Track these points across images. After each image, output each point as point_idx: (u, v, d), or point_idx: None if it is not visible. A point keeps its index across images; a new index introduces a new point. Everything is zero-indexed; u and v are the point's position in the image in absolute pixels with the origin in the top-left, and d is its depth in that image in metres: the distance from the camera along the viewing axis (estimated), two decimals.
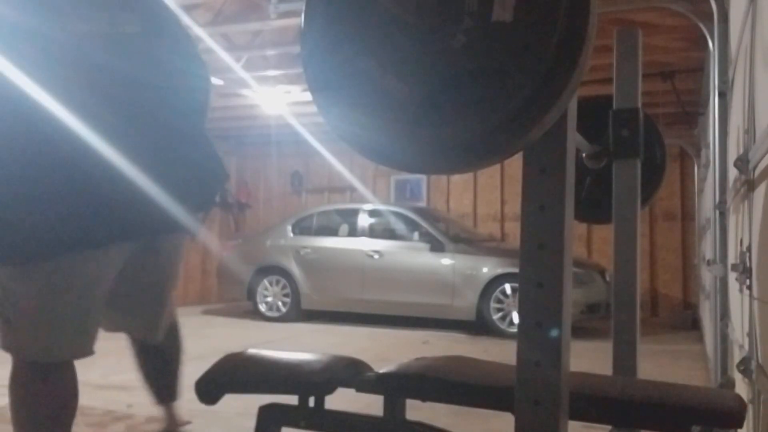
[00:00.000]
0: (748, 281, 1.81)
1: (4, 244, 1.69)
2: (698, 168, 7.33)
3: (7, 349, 1.77)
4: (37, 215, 1.65)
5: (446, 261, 7.18)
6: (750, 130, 1.81)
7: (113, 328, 1.99)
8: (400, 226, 7.74)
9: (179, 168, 1.83)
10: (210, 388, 1.75)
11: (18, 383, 1.77)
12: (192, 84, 1.95)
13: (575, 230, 1.58)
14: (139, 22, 1.81)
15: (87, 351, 1.81)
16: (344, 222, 8.08)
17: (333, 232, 8.07)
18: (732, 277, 2.23)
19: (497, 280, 6.86)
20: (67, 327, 1.75)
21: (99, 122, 1.64)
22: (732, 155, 2.39)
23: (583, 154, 1.88)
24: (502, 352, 4.64)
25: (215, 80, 5.67)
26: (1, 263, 1.72)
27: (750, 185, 1.79)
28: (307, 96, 1.63)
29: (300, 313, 7.80)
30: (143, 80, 1.78)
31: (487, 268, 6.98)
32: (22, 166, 1.63)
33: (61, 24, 1.67)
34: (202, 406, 1.90)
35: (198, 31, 4.83)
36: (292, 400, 1.55)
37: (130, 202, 1.68)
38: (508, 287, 6.78)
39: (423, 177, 9.86)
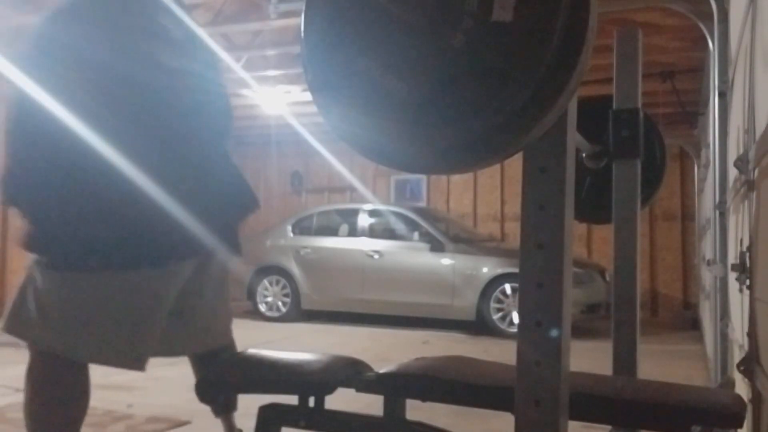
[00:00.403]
0: (748, 281, 1.81)
1: (66, 252, 1.75)
2: (698, 168, 7.34)
3: (35, 341, 1.80)
4: (100, 231, 1.74)
5: (446, 261, 7.18)
6: (750, 130, 1.80)
7: (173, 351, 2.02)
8: (400, 226, 7.74)
9: (212, 189, 1.93)
10: (210, 388, 1.75)
11: (36, 377, 1.82)
12: (217, 109, 2.02)
13: (575, 230, 1.58)
14: (183, 55, 1.92)
15: (135, 363, 1.83)
16: (344, 222, 8.08)
17: (333, 232, 8.07)
18: (732, 277, 2.22)
19: (497, 280, 6.86)
20: (115, 335, 1.79)
21: (144, 149, 1.76)
22: (732, 155, 2.39)
23: (583, 154, 1.88)
24: (502, 352, 4.64)
25: None
26: (54, 268, 1.77)
27: (750, 185, 1.79)
28: (307, 96, 1.66)
29: (300, 313, 7.80)
30: (180, 108, 1.88)
31: (487, 268, 6.98)
32: (88, 186, 1.73)
33: (111, 50, 1.77)
34: (202, 406, 1.90)
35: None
36: (292, 400, 1.55)
37: (180, 224, 1.78)
38: (508, 287, 6.79)
39: (423, 177, 9.86)
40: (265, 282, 7.96)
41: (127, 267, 1.77)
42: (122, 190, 1.70)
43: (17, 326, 1.81)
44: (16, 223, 1.81)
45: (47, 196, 1.75)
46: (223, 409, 2.12)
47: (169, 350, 1.97)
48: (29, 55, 1.76)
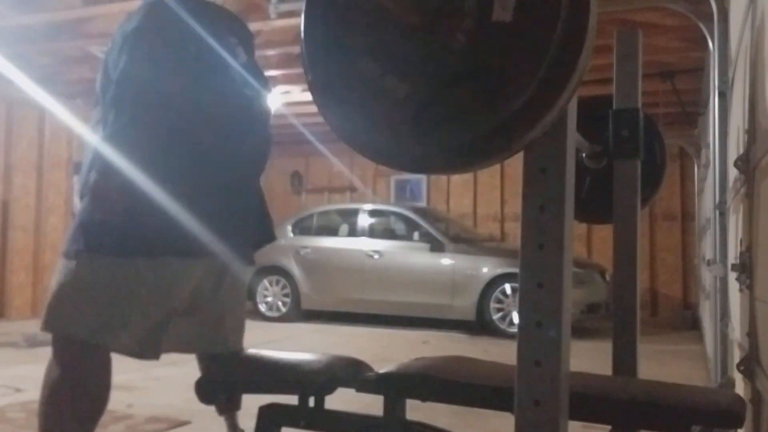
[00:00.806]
0: (748, 281, 1.81)
1: (116, 237, 1.81)
2: (698, 168, 7.34)
3: (59, 328, 1.81)
4: (141, 222, 1.81)
5: (446, 261, 7.18)
6: (750, 130, 1.80)
7: (184, 347, 2.04)
8: (400, 226, 7.75)
9: (242, 210, 2.03)
10: (210, 388, 1.75)
11: (58, 370, 1.80)
12: (262, 141, 2.11)
13: (575, 230, 1.58)
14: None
15: (151, 352, 1.86)
16: (344, 222, 8.08)
17: (333, 232, 8.08)
18: (732, 277, 2.22)
19: (497, 280, 6.86)
20: (137, 322, 1.82)
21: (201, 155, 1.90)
22: (732, 155, 2.39)
23: (583, 154, 1.88)
24: (502, 352, 4.63)
25: None
26: (91, 251, 1.81)
27: (750, 185, 1.79)
28: (307, 96, 1.69)
29: (300, 313, 7.80)
30: (231, 135, 1.98)
31: (487, 268, 6.98)
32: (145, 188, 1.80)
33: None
34: (202, 406, 1.90)
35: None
36: (292, 400, 1.55)
37: (202, 229, 1.87)
38: (508, 287, 6.78)
39: (423, 177, 9.86)
40: (265, 282, 7.96)
41: (157, 254, 1.84)
42: (158, 192, 1.79)
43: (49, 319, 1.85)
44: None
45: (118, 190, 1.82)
46: (227, 408, 2.13)
47: (179, 346, 2.00)
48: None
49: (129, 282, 1.83)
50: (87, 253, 1.82)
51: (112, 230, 1.80)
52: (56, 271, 1.87)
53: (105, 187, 1.81)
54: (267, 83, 2.18)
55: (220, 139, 1.95)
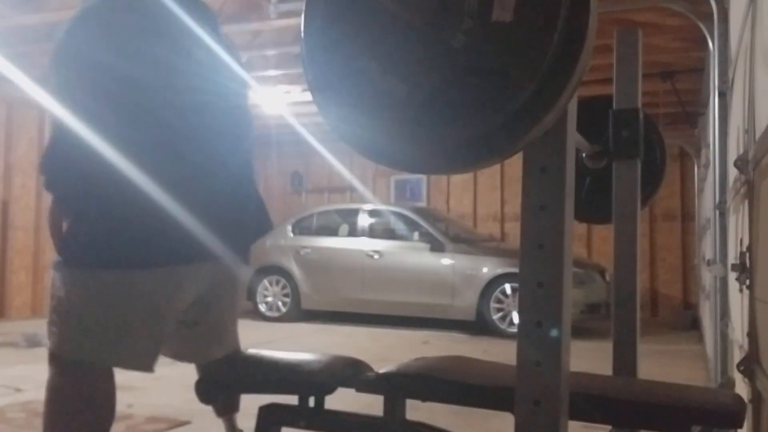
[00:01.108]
0: (748, 281, 1.81)
1: (97, 250, 1.73)
2: (698, 168, 7.34)
3: (58, 349, 1.75)
4: (127, 230, 1.73)
5: (446, 261, 7.18)
6: (750, 130, 1.81)
7: (176, 355, 2.00)
8: (400, 226, 7.75)
9: (233, 204, 1.93)
10: (210, 388, 1.75)
11: (59, 391, 1.75)
12: (241, 126, 2.03)
13: (575, 230, 1.58)
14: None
15: (145, 365, 1.81)
16: (344, 222, 8.08)
17: (333, 232, 8.08)
18: (732, 277, 2.23)
19: (497, 280, 6.86)
20: (131, 336, 1.77)
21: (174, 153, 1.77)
22: (732, 155, 2.39)
23: (583, 154, 1.88)
24: (502, 352, 4.63)
25: None
26: (73, 265, 1.74)
27: (750, 185, 1.80)
28: (307, 96, 1.67)
29: (300, 313, 7.80)
30: (204, 122, 1.87)
31: (487, 268, 6.98)
32: (116, 189, 1.70)
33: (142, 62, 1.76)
34: (202, 406, 1.90)
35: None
36: (292, 400, 1.55)
37: (197, 230, 1.77)
38: (508, 287, 6.78)
39: (423, 177, 9.87)
40: (265, 282, 7.96)
41: (150, 264, 1.75)
42: (145, 194, 1.70)
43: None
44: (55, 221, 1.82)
45: (82, 194, 1.75)
46: (226, 409, 2.12)
47: (177, 356, 1.96)
48: (56, 72, 1.75)
49: (121, 297, 1.74)
50: (68, 268, 1.75)
51: (92, 243, 1.73)
52: (51, 285, 1.80)
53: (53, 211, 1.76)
54: (242, 67, 2.08)
55: (198, 127, 1.84)
